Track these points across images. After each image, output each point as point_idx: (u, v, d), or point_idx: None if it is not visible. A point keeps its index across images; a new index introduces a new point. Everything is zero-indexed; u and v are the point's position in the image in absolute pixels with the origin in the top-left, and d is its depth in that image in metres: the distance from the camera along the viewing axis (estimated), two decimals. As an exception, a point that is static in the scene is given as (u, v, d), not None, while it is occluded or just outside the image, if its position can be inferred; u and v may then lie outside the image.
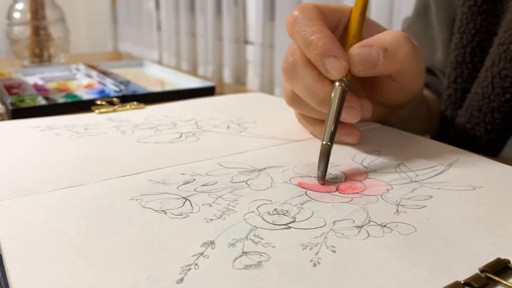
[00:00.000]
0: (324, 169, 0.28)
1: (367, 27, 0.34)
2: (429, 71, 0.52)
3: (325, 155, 0.28)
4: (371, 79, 0.35)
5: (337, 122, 0.30)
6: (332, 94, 0.30)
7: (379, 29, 0.35)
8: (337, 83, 0.31)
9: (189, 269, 0.19)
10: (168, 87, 0.63)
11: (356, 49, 0.31)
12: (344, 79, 0.31)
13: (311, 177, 0.29)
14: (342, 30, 0.34)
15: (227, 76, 1.47)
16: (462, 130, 0.42)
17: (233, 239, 0.21)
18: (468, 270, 0.19)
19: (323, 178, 0.28)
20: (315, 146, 0.35)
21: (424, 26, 0.51)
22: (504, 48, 0.38)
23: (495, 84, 0.39)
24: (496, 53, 0.39)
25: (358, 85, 0.37)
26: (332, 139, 0.29)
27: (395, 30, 0.32)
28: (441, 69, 0.50)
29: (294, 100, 0.35)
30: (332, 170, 0.30)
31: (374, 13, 0.95)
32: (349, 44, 0.32)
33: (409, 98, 0.37)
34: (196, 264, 0.19)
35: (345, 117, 0.31)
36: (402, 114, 0.40)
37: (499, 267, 0.19)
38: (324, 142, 0.29)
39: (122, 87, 0.57)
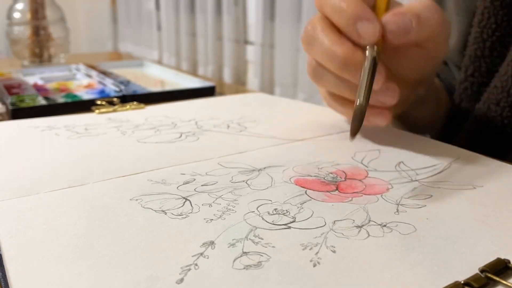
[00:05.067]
0: (358, 125, 0.28)
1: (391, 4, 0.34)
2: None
3: (359, 113, 0.28)
4: (399, 51, 0.34)
5: (371, 84, 0.29)
6: (365, 63, 0.30)
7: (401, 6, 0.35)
8: (368, 53, 0.30)
9: (189, 269, 0.19)
10: (168, 87, 0.63)
11: (390, 17, 0.31)
12: (375, 48, 0.30)
13: (311, 176, 0.29)
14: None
15: (227, 76, 1.47)
16: (478, 124, 0.42)
17: (233, 239, 0.21)
18: (468, 270, 0.19)
19: (354, 134, 0.29)
20: (315, 146, 0.35)
21: None
22: None
23: None
24: None
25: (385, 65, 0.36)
26: (367, 99, 0.29)
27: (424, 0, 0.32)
28: (453, 59, 0.50)
29: (317, 72, 0.34)
30: (332, 169, 0.30)
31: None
32: (379, 14, 0.32)
33: (434, 69, 0.37)
34: (196, 264, 0.19)
35: (382, 99, 0.31)
36: (419, 92, 0.39)
37: (499, 267, 0.19)
38: (357, 103, 0.28)
39: (122, 87, 0.57)
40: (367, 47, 0.30)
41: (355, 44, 0.31)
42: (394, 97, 0.33)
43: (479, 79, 0.44)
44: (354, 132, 0.29)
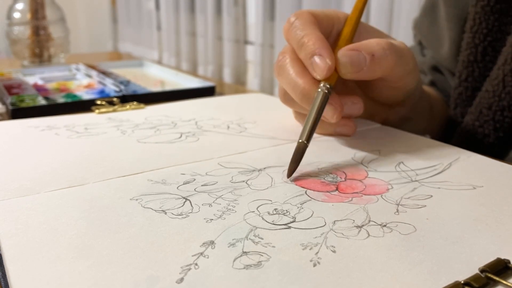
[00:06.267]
0: (294, 166, 0.29)
1: (359, 31, 0.36)
2: (436, 69, 0.53)
3: (299, 152, 0.29)
4: (363, 81, 0.37)
5: (316, 123, 0.31)
6: (315, 97, 0.32)
7: (370, 34, 0.36)
8: (319, 89, 0.32)
9: (189, 269, 0.19)
10: (168, 87, 0.63)
11: (344, 52, 0.32)
12: (328, 85, 0.32)
13: (311, 176, 0.29)
14: (335, 35, 0.36)
15: (227, 76, 1.47)
16: (470, 128, 0.42)
17: (233, 239, 0.21)
18: (468, 270, 0.19)
19: (290, 174, 0.28)
20: (315, 146, 0.35)
21: (431, 24, 0.51)
22: None
23: (506, 82, 0.39)
24: (509, 52, 0.39)
25: (354, 84, 0.39)
26: (308, 138, 0.30)
27: (382, 39, 0.33)
28: (447, 67, 0.50)
29: (286, 97, 0.36)
30: (332, 170, 0.30)
31: (374, 14, 0.95)
32: (340, 47, 0.33)
33: (403, 96, 0.38)
34: (196, 264, 0.19)
35: (325, 115, 0.32)
36: (400, 112, 0.41)
37: (499, 267, 0.19)
38: (300, 140, 0.30)
39: (122, 87, 0.57)
40: (321, 82, 0.32)
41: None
42: (359, 109, 0.35)
43: (472, 84, 0.44)
44: (291, 171, 0.28)
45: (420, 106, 0.43)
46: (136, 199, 0.25)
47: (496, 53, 0.43)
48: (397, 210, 0.24)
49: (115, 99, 0.50)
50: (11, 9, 0.83)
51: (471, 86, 0.45)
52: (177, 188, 0.27)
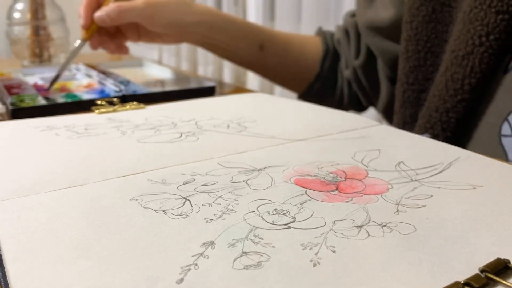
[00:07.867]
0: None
1: None
2: (345, 31, 0.62)
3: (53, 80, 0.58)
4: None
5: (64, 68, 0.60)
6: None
7: None
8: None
9: (189, 269, 0.19)
10: (168, 87, 0.63)
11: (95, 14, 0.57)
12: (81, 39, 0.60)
13: (311, 176, 0.29)
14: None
15: (227, 76, 1.47)
16: (423, 131, 0.47)
17: (233, 239, 0.21)
18: (468, 270, 0.19)
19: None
20: (315, 146, 0.35)
21: None
22: (454, 55, 0.43)
23: (448, 86, 0.44)
24: (448, 60, 0.44)
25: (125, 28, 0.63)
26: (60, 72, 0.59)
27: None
28: (387, 29, 0.54)
29: None
30: (331, 169, 0.30)
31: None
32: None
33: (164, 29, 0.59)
34: (196, 264, 0.19)
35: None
36: (174, 41, 0.63)
37: (499, 267, 0.19)
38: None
39: (122, 87, 0.57)
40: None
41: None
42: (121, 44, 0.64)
43: (417, 87, 0.50)
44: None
45: (228, 39, 0.61)
46: (136, 199, 0.25)
47: (436, 58, 0.48)
48: (397, 210, 0.24)
49: (115, 99, 0.50)
50: (11, 9, 0.83)
51: (416, 89, 0.50)
52: (177, 188, 0.27)
